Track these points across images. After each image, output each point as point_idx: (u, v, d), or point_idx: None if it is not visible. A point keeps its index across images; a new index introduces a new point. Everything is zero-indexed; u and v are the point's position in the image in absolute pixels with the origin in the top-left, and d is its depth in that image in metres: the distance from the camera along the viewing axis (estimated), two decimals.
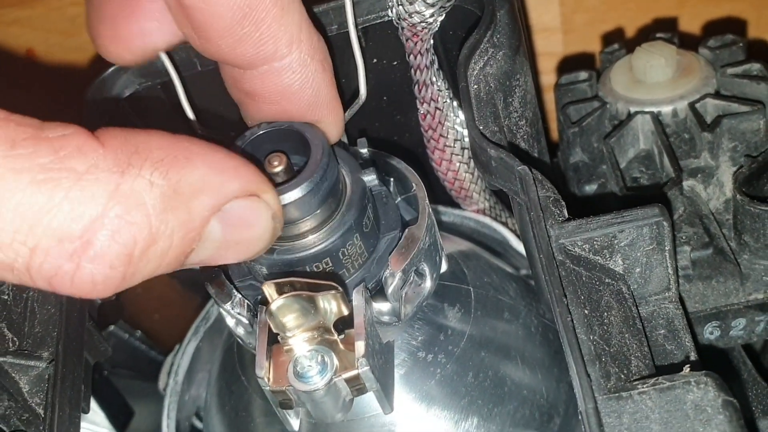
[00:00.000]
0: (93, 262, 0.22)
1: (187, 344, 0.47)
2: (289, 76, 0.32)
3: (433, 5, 0.35)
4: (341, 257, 0.31)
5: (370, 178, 0.33)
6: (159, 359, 0.59)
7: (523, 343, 0.39)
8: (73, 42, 0.64)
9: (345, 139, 0.40)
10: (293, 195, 0.29)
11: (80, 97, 0.42)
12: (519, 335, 0.39)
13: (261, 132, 0.31)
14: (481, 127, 0.33)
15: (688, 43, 0.46)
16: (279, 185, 0.29)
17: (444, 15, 0.36)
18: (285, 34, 0.30)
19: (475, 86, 0.34)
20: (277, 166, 0.29)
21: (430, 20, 0.35)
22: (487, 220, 0.47)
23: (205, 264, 0.26)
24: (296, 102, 0.32)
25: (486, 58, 0.34)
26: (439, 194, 0.46)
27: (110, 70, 0.41)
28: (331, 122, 0.33)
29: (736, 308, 0.36)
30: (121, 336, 0.60)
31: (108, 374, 0.56)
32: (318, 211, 0.30)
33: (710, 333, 0.37)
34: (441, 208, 0.48)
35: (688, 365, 0.27)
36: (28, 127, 0.22)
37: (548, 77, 0.63)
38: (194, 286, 0.57)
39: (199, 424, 0.47)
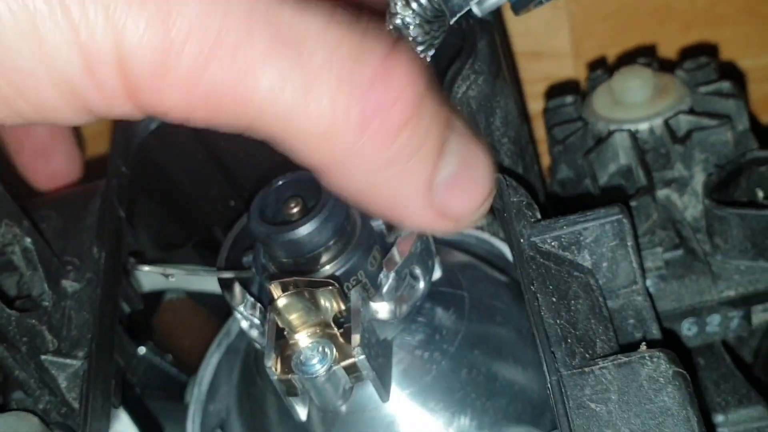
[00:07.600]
0: None
1: (211, 356, 0.51)
2: None
3: (422, 43, 0.39)
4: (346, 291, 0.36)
5: (378, 223, 0.39)
6: (187, 382, 0.63)
7: (515, 343, 0.42)
8: None
9: None
10: (304, 230, 0.35)
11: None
12: (511, 337, 0.42)
13: (284, 181, 0.38)
14: None
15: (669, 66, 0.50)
16: (294, 222, 0.35)
17: (434, 50, 0.40)
18: None
19: (458, 108, 0.38)
20: (294, 208, 0.36)
21: (421, 57, 0.39)
22: (486, 236, 0.51)
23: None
24: None
25: (468, 83, 0.38)
26: None
27: None
28: None
29: (710, 305, 0.39)
30: (152, 360, 0.65)
31: (140, 395, 0.60)
32: (330, 244, 0.36)
33: (688, 329, 0.40)
34: None
35: (644, 343, 0.30)
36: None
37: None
38: (221, 313, 0.61)
39: None
